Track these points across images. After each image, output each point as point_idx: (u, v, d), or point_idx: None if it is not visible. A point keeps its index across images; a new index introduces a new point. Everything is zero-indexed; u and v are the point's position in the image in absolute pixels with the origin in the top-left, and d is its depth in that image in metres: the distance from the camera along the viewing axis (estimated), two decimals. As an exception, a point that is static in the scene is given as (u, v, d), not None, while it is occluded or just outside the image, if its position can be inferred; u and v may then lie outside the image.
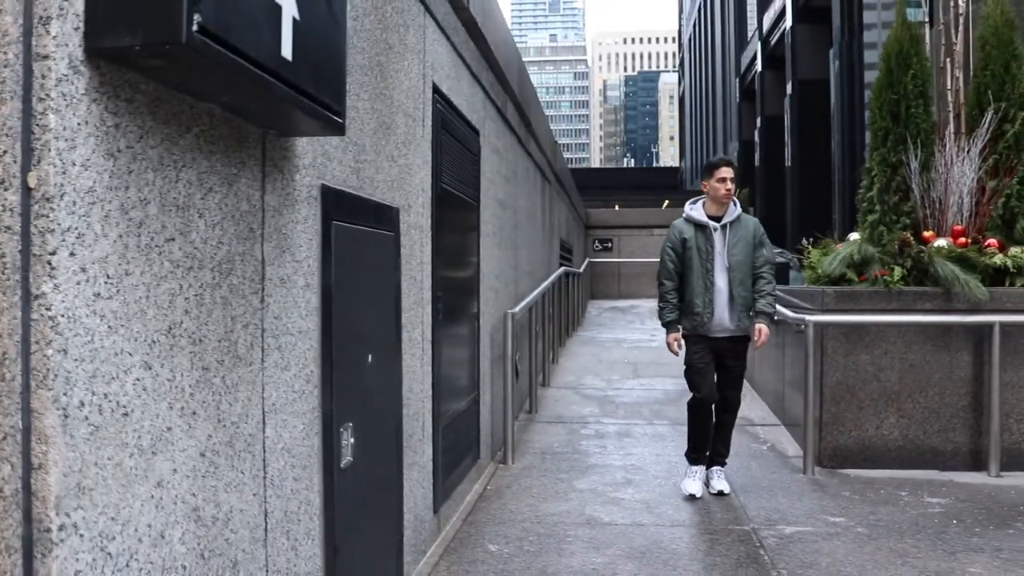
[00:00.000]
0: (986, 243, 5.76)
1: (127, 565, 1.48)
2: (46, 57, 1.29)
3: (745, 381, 5.34)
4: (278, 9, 1.64)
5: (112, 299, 1.45)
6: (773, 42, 25.56)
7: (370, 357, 2.85)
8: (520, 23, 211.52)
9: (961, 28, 6.13)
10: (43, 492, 1.30)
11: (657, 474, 5.35)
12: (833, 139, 17.35)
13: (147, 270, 1.55)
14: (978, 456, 5.51)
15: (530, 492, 4.93)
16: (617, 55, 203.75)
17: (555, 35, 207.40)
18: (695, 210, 4.97)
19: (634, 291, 20.68)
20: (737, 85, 35.64)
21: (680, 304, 4.92)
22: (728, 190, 4.85)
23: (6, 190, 1.29)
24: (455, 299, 4.48)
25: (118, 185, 1.46)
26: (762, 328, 4.85)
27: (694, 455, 5.03)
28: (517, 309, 6.03)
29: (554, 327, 10.03)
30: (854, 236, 6.15)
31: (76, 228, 1.35)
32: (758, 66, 28.83)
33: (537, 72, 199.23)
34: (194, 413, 1.72)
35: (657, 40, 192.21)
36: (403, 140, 3.33)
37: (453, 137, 4.27)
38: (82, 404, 1.37)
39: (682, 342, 4.92)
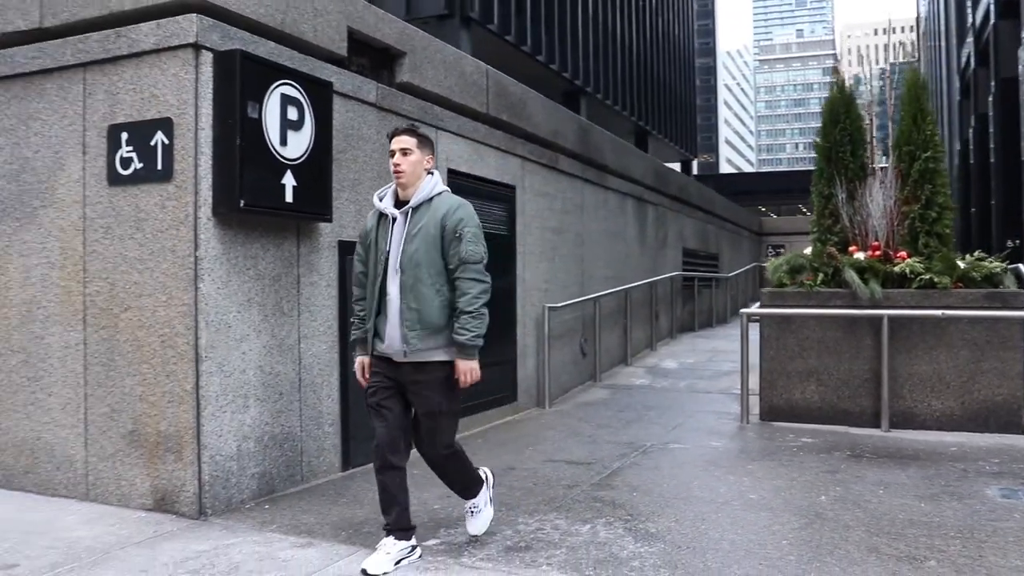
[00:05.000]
0: (896, 255, 7.66)
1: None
2: (191, 216, 4.39)
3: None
4: (283, 185, 4.65)
5: (228, 288, 4.51)
6: (984, 38, 25.51)
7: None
8: (766, 20, 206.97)
9: (889, 89, 8.05)
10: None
11: (654, 419, 7.80)
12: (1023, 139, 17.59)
13: (237, 279, 4.59)
14: (878, 416, 7.43)
15: (538, 423, 7.59)
16: (867, 47, 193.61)
17: (801, 30, 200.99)
18: (385, 196, 3.88)
19: (804, 294, 21.89)
20: (957, 81, 34.99)
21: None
22: (397, 166, 3.74)
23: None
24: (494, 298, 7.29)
25: (230, 249, 4.52)
26: (460, 366, 3.71)
27: (384, 517, 3.82)
28: (559, 304, 8.69)
29: (654, 321, 12.41)
30: (807, 250, 8.23)
31: (211, 268, 4.43)
32: (972, 62, 28.60)
33: (784, 69, 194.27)
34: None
35: (910, 29, 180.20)
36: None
37: (475, 196, 7.10)
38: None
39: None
